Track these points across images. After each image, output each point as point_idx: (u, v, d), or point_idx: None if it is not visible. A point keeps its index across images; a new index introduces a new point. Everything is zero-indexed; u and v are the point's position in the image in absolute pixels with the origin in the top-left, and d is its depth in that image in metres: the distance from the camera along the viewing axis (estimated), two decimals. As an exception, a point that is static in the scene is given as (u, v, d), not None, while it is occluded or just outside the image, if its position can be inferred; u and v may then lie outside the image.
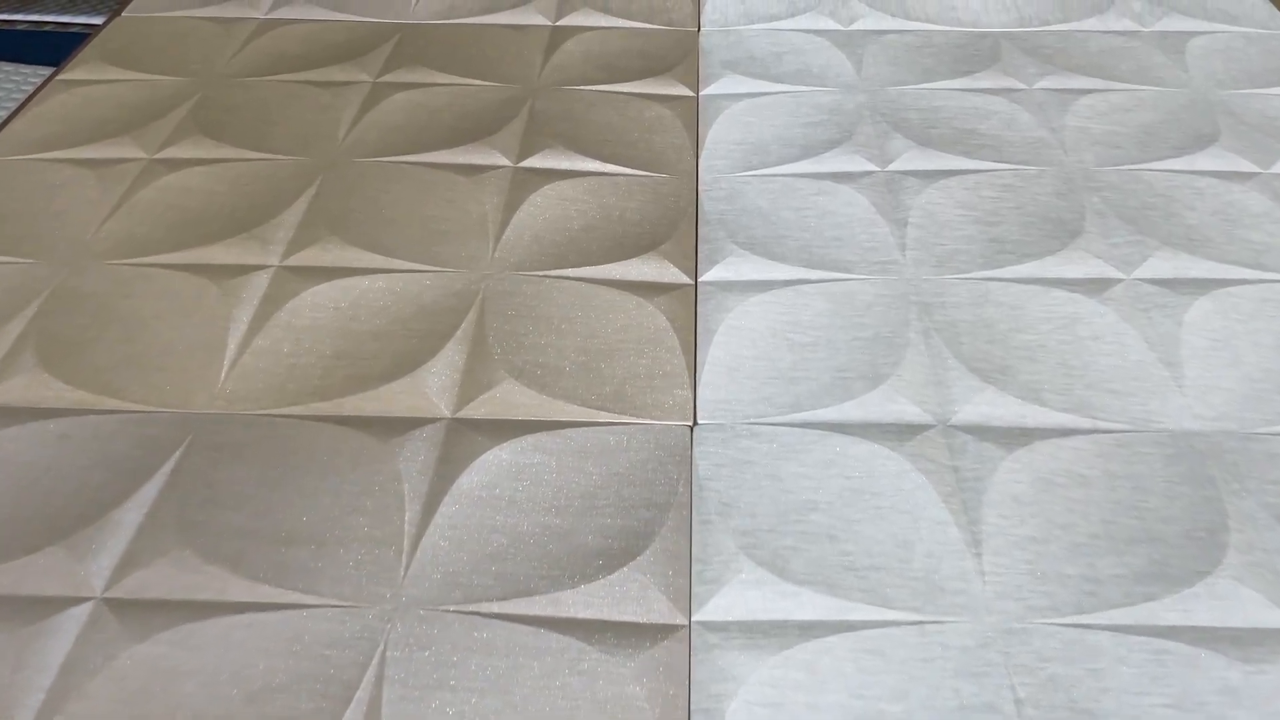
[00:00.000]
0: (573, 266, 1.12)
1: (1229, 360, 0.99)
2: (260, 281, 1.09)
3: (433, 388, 0.98)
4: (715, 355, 1.02)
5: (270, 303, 1.07)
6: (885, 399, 0.96)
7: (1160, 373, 0.98)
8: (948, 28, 1.58)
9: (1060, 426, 0.93)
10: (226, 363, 1.00)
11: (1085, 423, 0.94)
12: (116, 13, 1.62)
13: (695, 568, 0.82)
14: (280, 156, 1.28)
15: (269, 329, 1.04)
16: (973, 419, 0.94)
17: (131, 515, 0.85)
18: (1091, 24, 1.58)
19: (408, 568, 0.82)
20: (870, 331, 1.04)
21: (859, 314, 1.06)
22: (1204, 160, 1.26)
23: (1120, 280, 1.08)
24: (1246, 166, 1.24)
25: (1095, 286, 1.08)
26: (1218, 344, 1.01)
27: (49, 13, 2.88)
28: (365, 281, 1.09)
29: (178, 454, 0.91)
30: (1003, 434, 0.92)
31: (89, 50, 1.51)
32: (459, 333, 1.03)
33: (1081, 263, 1.11)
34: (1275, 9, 1.62)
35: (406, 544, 0.84)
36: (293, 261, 1.12)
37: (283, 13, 1.62)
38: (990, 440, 0.92)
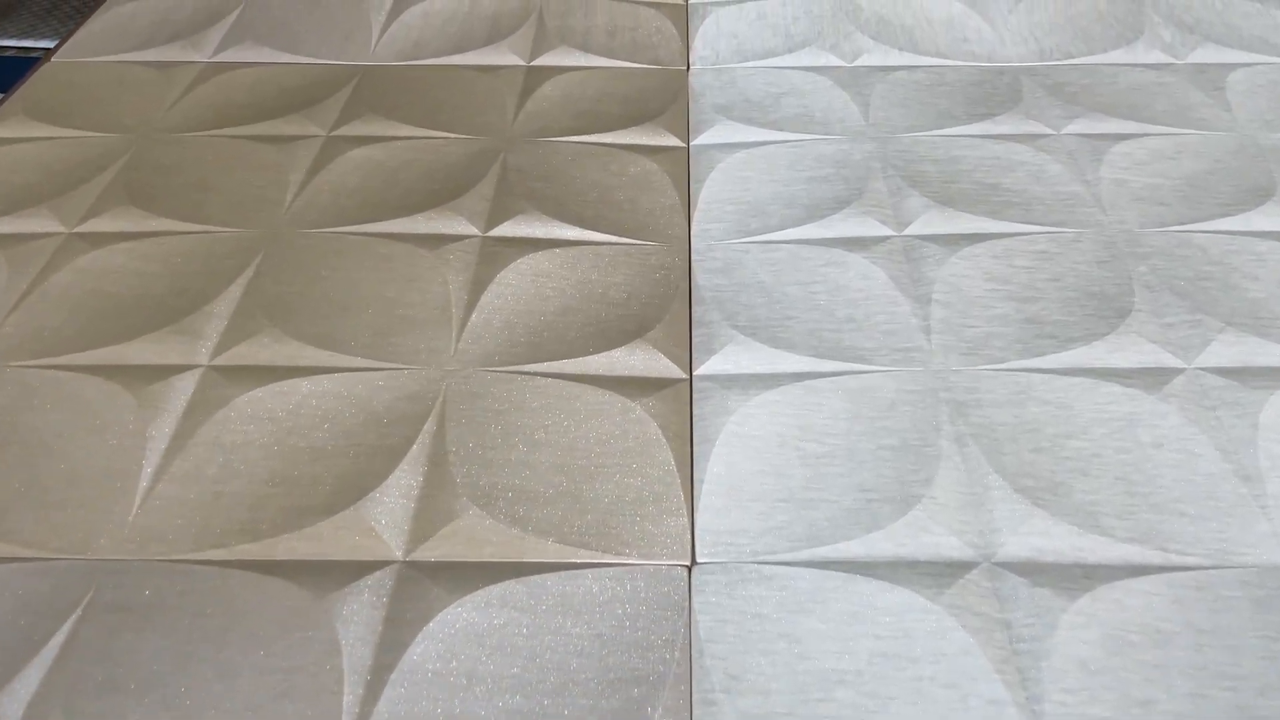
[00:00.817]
0: (549, 360, 0.97)
1: (1318, 473, 0.85)
2: (185, 386, 0.94)
3: (382, 521, 0.83)
4: (715, 471, 0.87)
5: (196, 414, 0.91)
6: (918, 528, 0.81)
7: (1237, 489, 0.84)
8: (961, 62, 1.44)
9: (1127, 563, 0.79)
10: (139, 493, 0.85)
11: (1156, 557, 0.79)
12: (45, 58, 1.47)
13: (697, 767, 0.67)
14: (218, 229, 1.13)
15: (192, 448, 0.89)
16: (1022, 553, 0.80)
17: (10, 709, 0.70)
18: (1118, 56, 1.44)
19: (344, 776, 0.67)
20: (896, 438, 0.89)
21: (881, 415, 0.91)
22: (1261, 219, 1.11)
23: (1181, 370, 0.94)
24: (1310, 226, 1.10)
25: (1153, 379, 0.93)
26: (1302, 451, 0.86)
27: (8, 37, 2.73)
28: (307, 384, 0.94)
29: (72, 619, 0.75)
30: (1060, 574, 0.78)
31: (11, 103, 1.36)
32: (415, 448, 0.88)
33: (1134, 349, 0.96)
34: None
35: (344, 741, 0.69)
36: (224, 360, 0.97)
37: (229, 55, 1.47)
38: (1046, 584, 0.77)
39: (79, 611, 0.76)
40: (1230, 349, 0.96)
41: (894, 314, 1.02)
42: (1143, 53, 1.44)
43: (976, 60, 1.44)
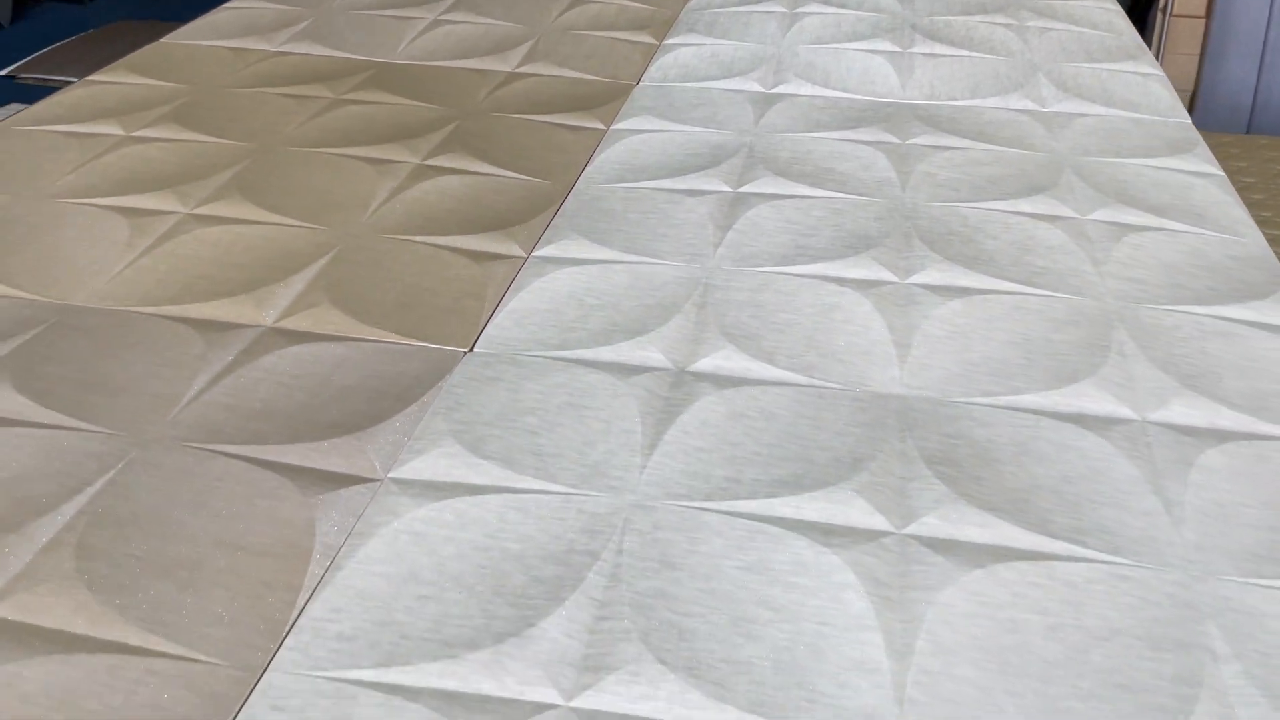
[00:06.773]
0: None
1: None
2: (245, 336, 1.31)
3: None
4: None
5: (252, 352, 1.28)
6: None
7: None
8: (860, 97, 1.74)
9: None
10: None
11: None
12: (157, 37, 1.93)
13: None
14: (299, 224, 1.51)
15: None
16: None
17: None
18: (994, 102, 1.72)
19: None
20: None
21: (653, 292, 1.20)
22: (1028, 205, 1.37)
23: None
24: (1065, 210, 1.35)
25: (875, 288, 1.20)
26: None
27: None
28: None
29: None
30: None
31: (120, 63, 1.81)
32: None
33: (870, 268, 1.23)
34: (1177, 100, 1.73)
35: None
36: (287, 323, 1.33)
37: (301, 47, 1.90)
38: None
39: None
40: (941, 273, 1.21)
41: (696, 240, 1.31)
42: (1015, 101, 1.72)
43: (875, 97, 1.74)
